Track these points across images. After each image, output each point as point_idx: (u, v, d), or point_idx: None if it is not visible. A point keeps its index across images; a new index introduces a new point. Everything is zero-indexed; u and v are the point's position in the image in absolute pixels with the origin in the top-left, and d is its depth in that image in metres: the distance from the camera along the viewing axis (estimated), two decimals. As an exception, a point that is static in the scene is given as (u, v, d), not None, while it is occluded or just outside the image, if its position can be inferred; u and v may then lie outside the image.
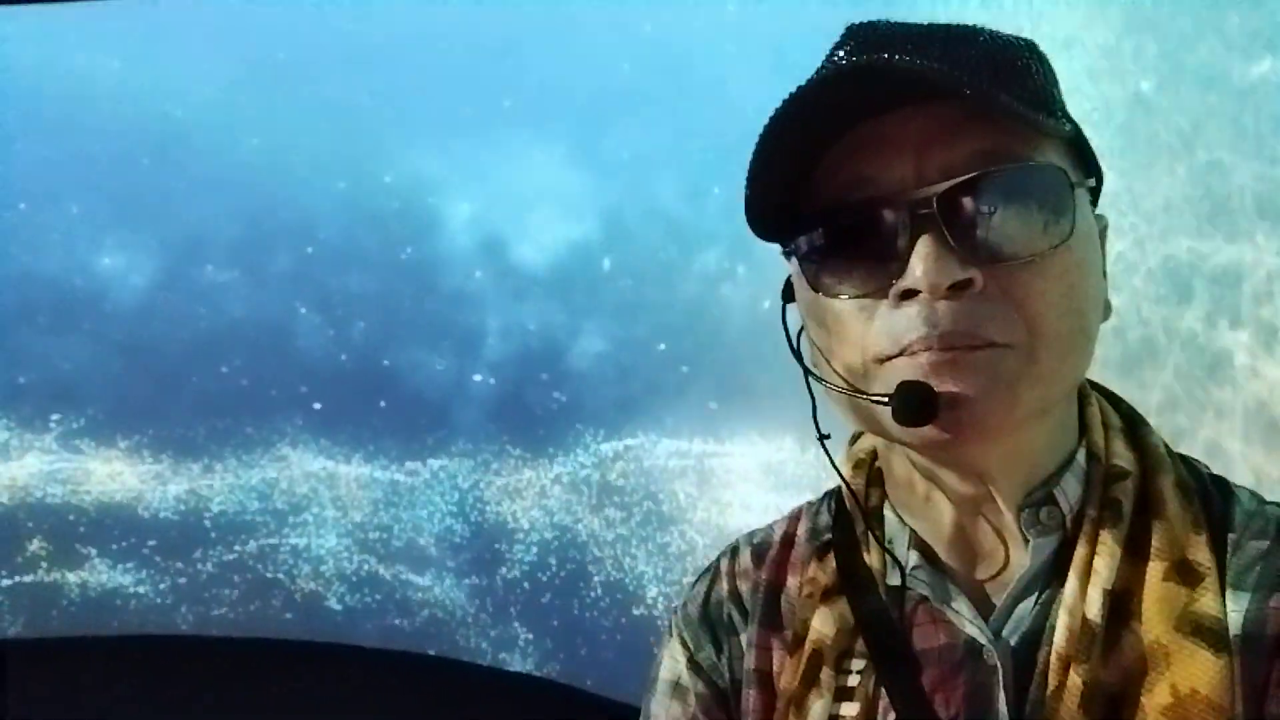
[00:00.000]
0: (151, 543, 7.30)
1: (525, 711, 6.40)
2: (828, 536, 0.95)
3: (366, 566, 7.45)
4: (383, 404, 7.57)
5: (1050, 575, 0.81)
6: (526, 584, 7.13)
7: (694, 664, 0.99)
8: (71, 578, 7.17)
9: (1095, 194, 0.83)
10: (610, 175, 6.81)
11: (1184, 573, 0.75)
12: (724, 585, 1.03)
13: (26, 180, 7.54)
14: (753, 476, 6.41)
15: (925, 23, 0.75)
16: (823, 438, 0.88)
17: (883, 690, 0.83)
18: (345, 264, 7.60)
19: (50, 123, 7.58)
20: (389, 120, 7.39)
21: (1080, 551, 0.78)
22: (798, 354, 0.88)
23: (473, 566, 7.34)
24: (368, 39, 7.47)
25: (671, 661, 1.02)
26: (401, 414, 7.62)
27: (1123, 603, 0.75)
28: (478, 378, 7.48)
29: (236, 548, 7.45)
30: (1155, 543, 0.77)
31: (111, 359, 7.47)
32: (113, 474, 7.37)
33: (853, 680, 0.85)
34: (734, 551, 1.06)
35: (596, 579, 6.89)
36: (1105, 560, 0.76)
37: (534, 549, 7.19)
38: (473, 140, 7.17)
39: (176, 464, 7.52)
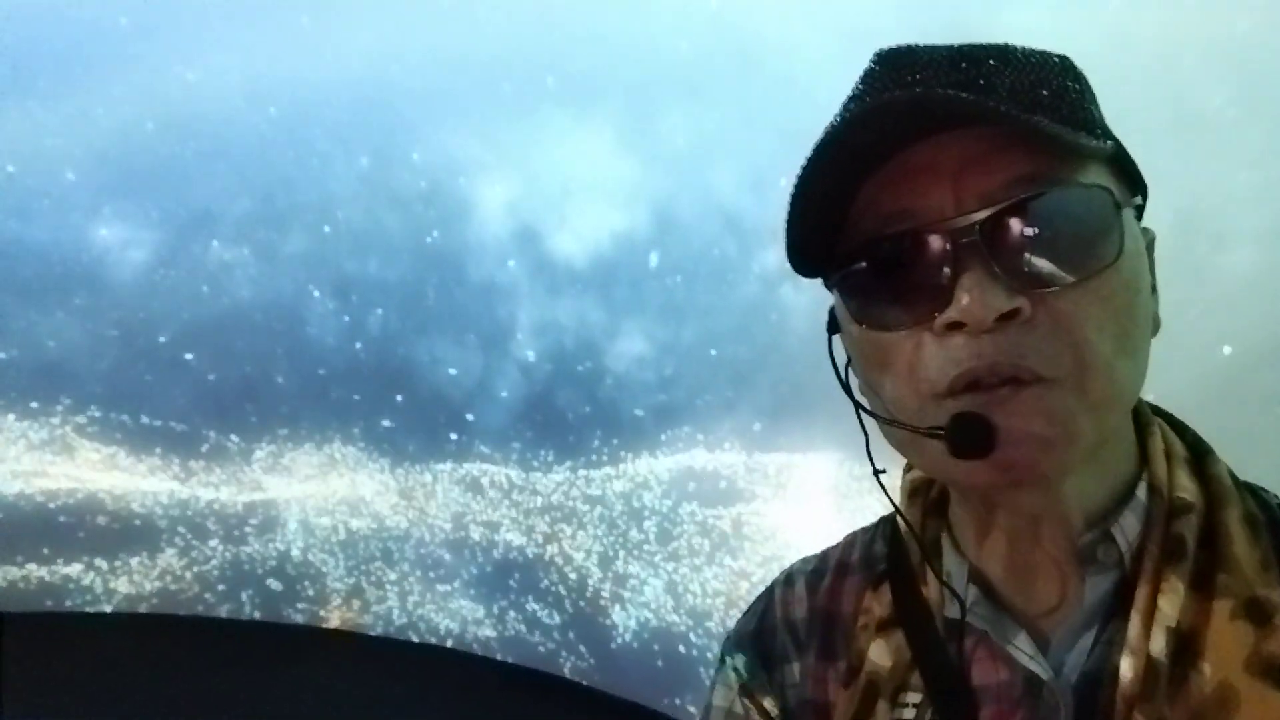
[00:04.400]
0: (139, 540, 6.70)
1: (534, 706, 6.02)
2: (883, 566, 0.93)
3: (371, 574, 6.90)
4: (399, 399, 7.21)
5: (1111, 612, 0.77)
6: (547, 601, 6.61)
7: (747, 691, 0.99)
8: (41, 574, 6.53)
9: (1140, 210, 0.79)
10: (662, 162, 6.52)
11: (1253, 611, 0.72)
12: (777, 613, 1.01)
13: (17, 141, 7.04)
14: (811, 496, 5.95)
15: (956, 44, 0.75)
16: (878, 472, 0.85)
17: None
18: (365, 247, 7.25)
19: (47, 80, 7.12)
20: (419, 93, 7.10)
21: (1143, 589, 0.75)
22: (847, 387, 0.84)
23: (484, 580, 6.83)
24: (399, 5, 7.13)
25: (725, 689, 1.01)
26: (419, 411, 7.29)
27: (1189, 642, 0.73)
28: (504, 376, 7.09)
29: (229, 546, 6.85)
30: (1222, 580, 0.74)
31: (105, 338, 7.05)
32: (100, 462, 6.77)
33: (908, 714, 0.83)
34: (788, 579, 1.03)
35: (628, 605, 6.37)
36: (1169, 599, 0.73)
37: (558, 567, 6.67)
38: (511, 119, 6.91)
39: (169, 454, 6.95)
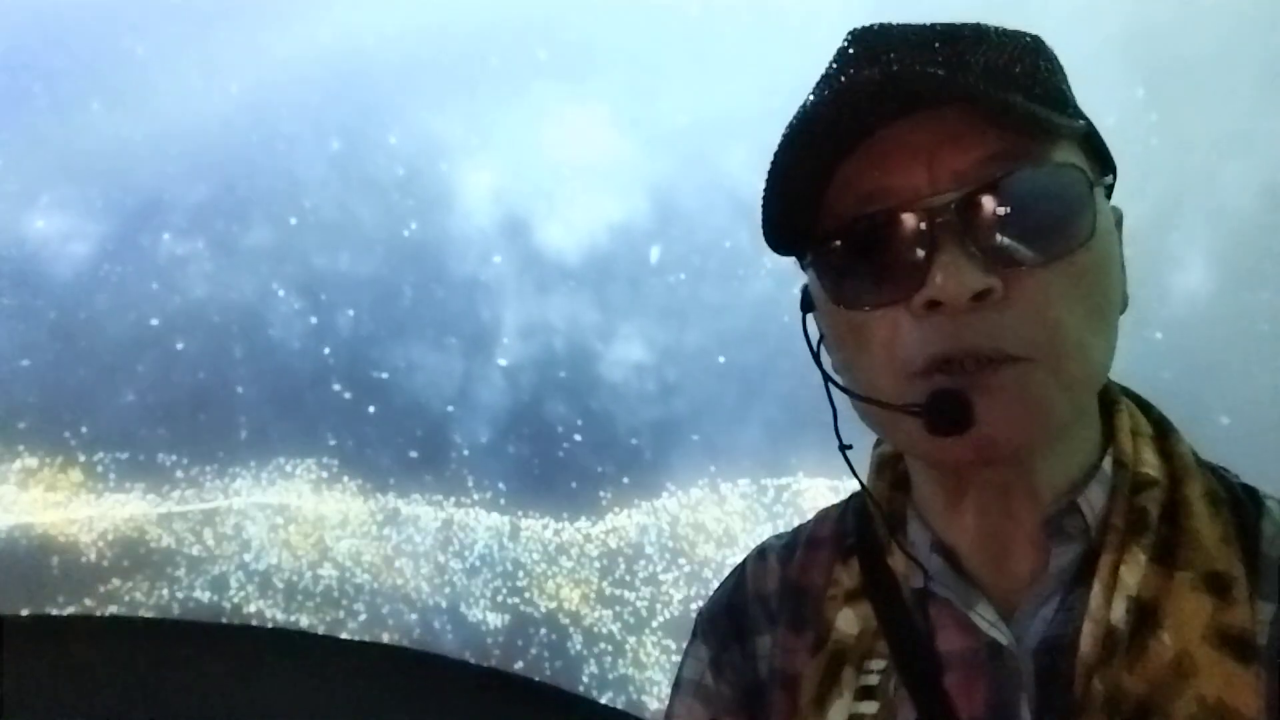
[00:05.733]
0: (74, 578, 6.03)
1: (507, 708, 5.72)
2: (852, 539, 0.94)
3: (334, 629, 6.17)
4: (371, 410, 6.61)
5: (1074, 582, 0.80)
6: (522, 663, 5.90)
7: (717, 664, 0.99)
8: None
9: (1110, 189, 0.83)
10: (665, 143, 5.97)
11: (1213, 583, 0.76)
12: (749, 587, 1.00)
13: (-56, 121, 6.49)
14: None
15: (930, 23, 0.77)
16: (844, 448, 0.88)
17: (904, 691, 0.83)
18: (335, 240, 6.72)
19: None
20: (396, 69, 6.58)
21: (1106, 559, 0.78)
22: (820, 364, 0.86)
23: (460, 634, 6.12)
24: (375, -30, 6.59)
25: (695, 662, 1.01)
26: (392, 423, 6.71)
27: (1149, 612, 0.76)
28: (487, 384, 6.47)
29: (175, 591, 6.14)
30: (1183, 553, 0.78)
31: (40, 342, 6.42)
32: (30, 482, 6.10)
33: (873, 680, 0.85)
34: (761, 553, 1.02)
35: (611, 669, 5.63)
36: (1131, 569, 0.77)
37: (542, 625, 5.92)
38: (497, 97, 6.39)
39: (111, 476, 6.27)
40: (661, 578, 5.61)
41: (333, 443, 6.42)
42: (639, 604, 5.62)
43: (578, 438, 6.04)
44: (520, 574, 5.91)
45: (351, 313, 6.70)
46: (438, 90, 6.49)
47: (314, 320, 6.70)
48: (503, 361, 6.39)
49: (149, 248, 6.64)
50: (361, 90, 6.59)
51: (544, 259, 6.34)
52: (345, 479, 6.34)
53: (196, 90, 6.58)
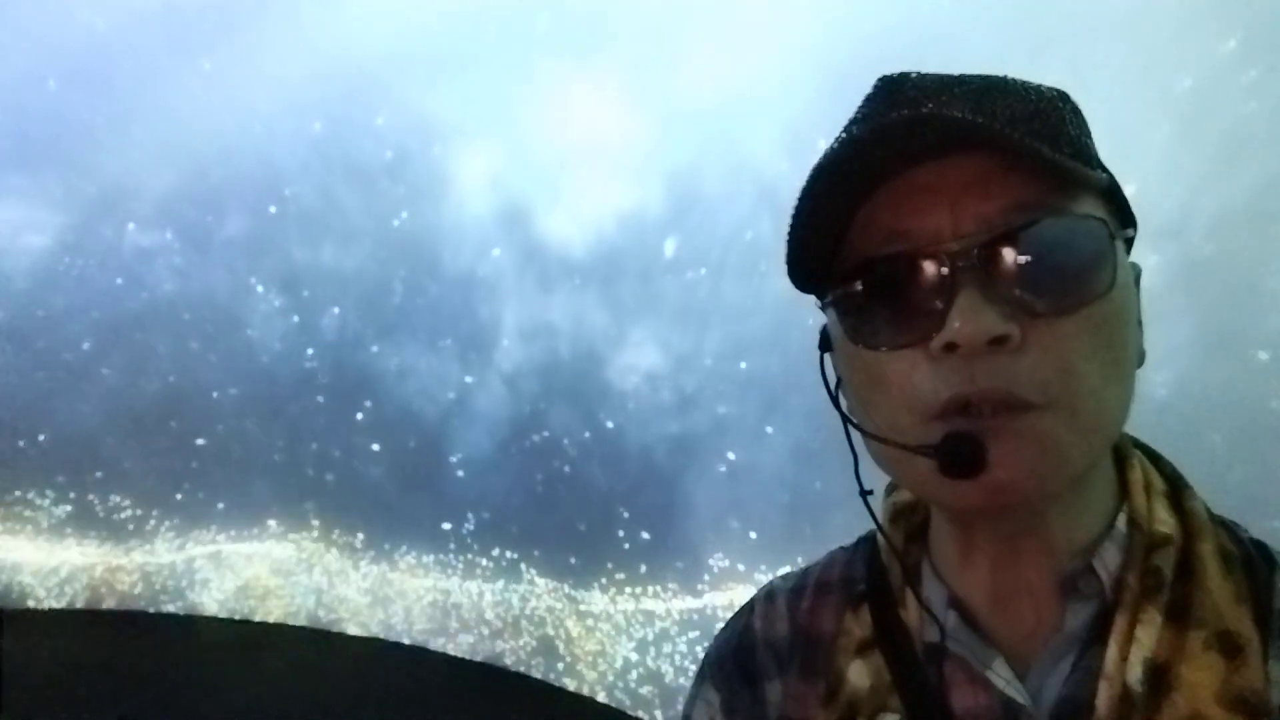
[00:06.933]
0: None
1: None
2: (863, 587, 0.95)
3: None
4: (359, 417, 6.17)
5: (1089, 640, 0.81)
6: None
7: (729, 707, 1.01)
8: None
9: (1130, 243, 0.85)
10: (682, 123, 5.49)
11: (1225, 643, 0.77)
12: (758, 631, 1.02)
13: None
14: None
15: (957, 73, 0.81)
16: (865, 494, 0.88)
17: None
18: (318, 231, 6.30)
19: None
20: (384, 45, 6.09)
21: (1121, 619, 0.79)
22: (838, 405, 0.87)
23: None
24: (360, -64, 6.10)
25: (705, 705, 1.03)
26: (381, 431, 6.24)
27: (1164, 673, 0.77)
28: (486, 391, 6.03)
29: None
30: (1196, 612, 0.79)
31: None
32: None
33: None
34: (769, 595, 1.03)
35: None
36: (1147, 629, 0.78)
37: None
38: (496, 73, 5.94)
39: (71, 506, 5.78)
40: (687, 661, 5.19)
41: (313, 454, 5.99)
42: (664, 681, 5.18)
43: (583, 446, 5.63)
44: (525, 637, 5.45)
45: (337, 311, 6.30)
46: (429, 67, 6.07)
47: (296, 319, 6.32)
48: (502, 365, 5.99)
49: (112, 240, 6.27)
50: (346, 68, 6.14)
51: (547, 252, 5.97)
52: (327, 514, 5.86)
53: (163, 69, 6.09)
